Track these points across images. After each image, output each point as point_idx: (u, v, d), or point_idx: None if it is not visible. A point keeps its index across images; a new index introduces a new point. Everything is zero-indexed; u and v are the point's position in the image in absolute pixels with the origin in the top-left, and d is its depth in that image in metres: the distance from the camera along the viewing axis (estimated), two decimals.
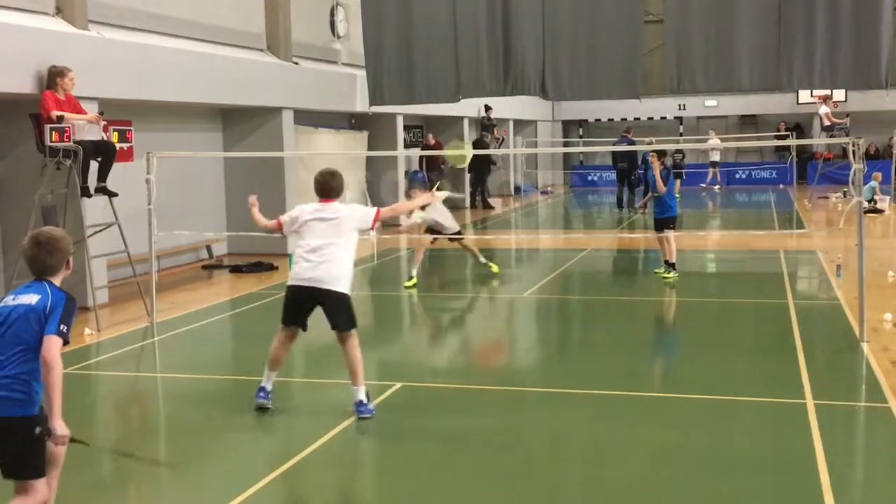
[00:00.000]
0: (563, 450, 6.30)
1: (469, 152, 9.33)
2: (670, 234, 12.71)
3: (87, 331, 10.15)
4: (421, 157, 23.30)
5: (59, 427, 4.36)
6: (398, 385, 7.70)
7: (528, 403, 7.54)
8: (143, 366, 9.45)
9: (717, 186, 29.94)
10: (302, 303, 6.90)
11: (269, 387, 7.05)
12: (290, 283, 6.94)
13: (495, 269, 13.46)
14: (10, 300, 4.40)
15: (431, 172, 21.59)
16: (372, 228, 7.15)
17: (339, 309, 6.84)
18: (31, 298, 4.34)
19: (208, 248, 15.74)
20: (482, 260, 13.45)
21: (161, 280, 12.08)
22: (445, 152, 9.71)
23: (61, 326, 4.28)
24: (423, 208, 7.15)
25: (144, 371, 9.23)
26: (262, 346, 7.65)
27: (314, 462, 6.09)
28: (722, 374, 8.14)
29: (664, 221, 12.78)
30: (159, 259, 12.67)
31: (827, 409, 6.86)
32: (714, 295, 12.34)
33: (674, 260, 12.71)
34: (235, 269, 14.58)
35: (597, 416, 7.04)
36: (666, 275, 12.64)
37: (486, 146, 25.03)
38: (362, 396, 6.87)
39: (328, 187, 7.11)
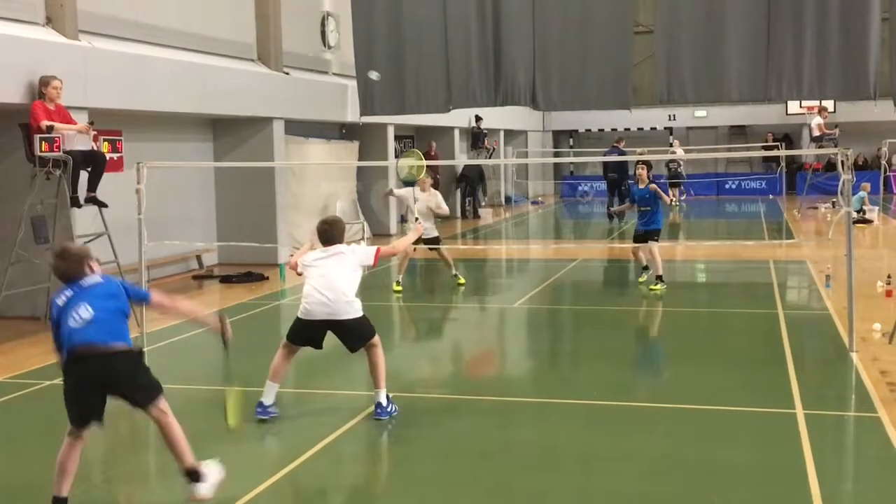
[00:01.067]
0: (553, 460, 6.30)
1: (422, 162, 9.33)
2: (654, 246, 12.75)
3: None
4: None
5: None
6: (390, 395, 7.68)
7: (518, 414, 7.53)
8: None
9: (682, 197, 29.65)
10: (315, 331, 7.03)
11: (266, 401, 7.08)
12: (301, 316, 7.03)
13: (462, 280, 13.58)
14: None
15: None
16: (374, 266, 7.22)
17: (354, 334, 7.04)
18: (92, 281, 5.50)
19: (198, 258, 15.70)
20: (454, 272, 13.56)
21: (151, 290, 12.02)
22: (402, 162, 9.69)
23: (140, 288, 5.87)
24: (416, 242, 7.40)
25: None
26: (252, 357, 7.64)
27: (302, 474, 6.07)
28: (712, 384, 8.15)
29: (649, 233, 12.81)
30: (149, 269, 12.62)
31: (817, 419, 6.88)
32: (704, 305, 12.37)
33: (661, 272, 12.74)
34: (226, 280, 14.55)
35: (587, 426, 7.04)
36: (654, 287, 12.66)
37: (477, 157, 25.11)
38: (381, 399, 7.04)
39: (328, 235, 7.14)
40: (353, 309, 6.96)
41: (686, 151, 30.30)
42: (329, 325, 6.96)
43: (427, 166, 10.44)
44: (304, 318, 6.98)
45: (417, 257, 14.23)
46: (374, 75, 14.89)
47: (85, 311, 5.22)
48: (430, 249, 13.44)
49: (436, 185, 14.29)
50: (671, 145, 30.53)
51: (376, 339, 7.10)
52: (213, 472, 5.42)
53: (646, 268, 13.18)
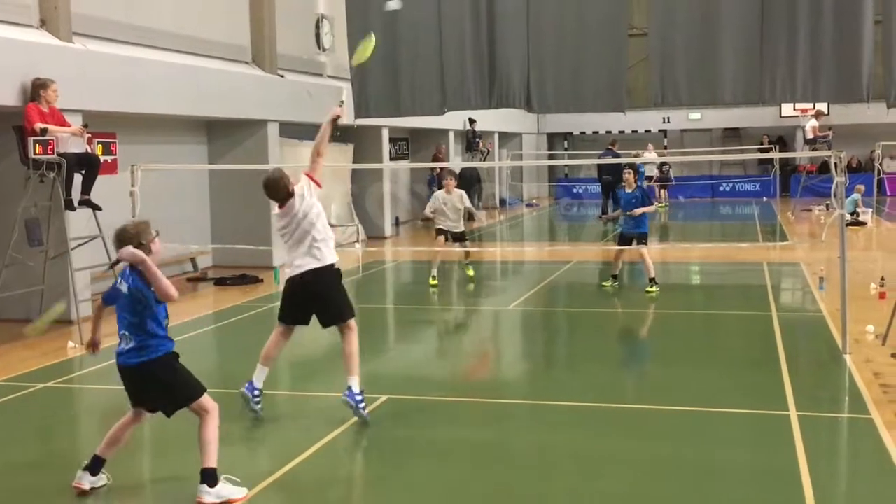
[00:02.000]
0: (548, 462, 6.31)
1: (370, 45, 9.04)
2: (644, 250, 12.83)
3: (70, 344, 10.10)
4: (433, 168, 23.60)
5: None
6: (383, 398, 7.69)
7: (514, 416, 7.54)
8: None
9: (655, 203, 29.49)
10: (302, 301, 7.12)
11: (257, 383, 7.14)
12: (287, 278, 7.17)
13: (471, 272, 14.20)
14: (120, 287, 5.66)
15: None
16: (319, 186, 7.24)
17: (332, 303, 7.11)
18: (124, 286, 5.61)
19: (193, 260, 15.69)
20: (467, 261, 14.31)
21: None
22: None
23: (151, 289, 5.52)
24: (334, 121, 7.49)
25: None
26: (246, 359, 7.63)
27: (299, 475, 6.07)
28: (706, 386, 8.17)
29: (638, 237, 12.85)
30: None
31: (810, 421, 6.89)
32: (698, 307, 12.39)
33: (653, 274, 12.77)
34: (220, 282, 14.54)
35: (582, 428, 7.05)
36: (649, 290, 12.68)
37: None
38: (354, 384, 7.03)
39: (275, 194, 7.15)
40: (329, 253, 7.01)
41: (682, 154, 30.37)
42: (311, 285, 6.96)
43: (448, 170, 10.80)
44: (289, 280, 7.07)
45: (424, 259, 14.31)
46: (394, 4, 14.70)
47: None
48: (455, 242, 13.98)
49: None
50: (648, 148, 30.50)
51: (353, 322, 7.10)
52: (230, 489, 5.53)
53: (615, 276, 13.27)
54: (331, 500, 5.94)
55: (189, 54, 14.80)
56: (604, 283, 13.31)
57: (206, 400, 5.62)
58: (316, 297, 7.02)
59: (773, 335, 9.95)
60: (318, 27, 18.96)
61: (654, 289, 12.66)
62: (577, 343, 10.67)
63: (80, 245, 11.02)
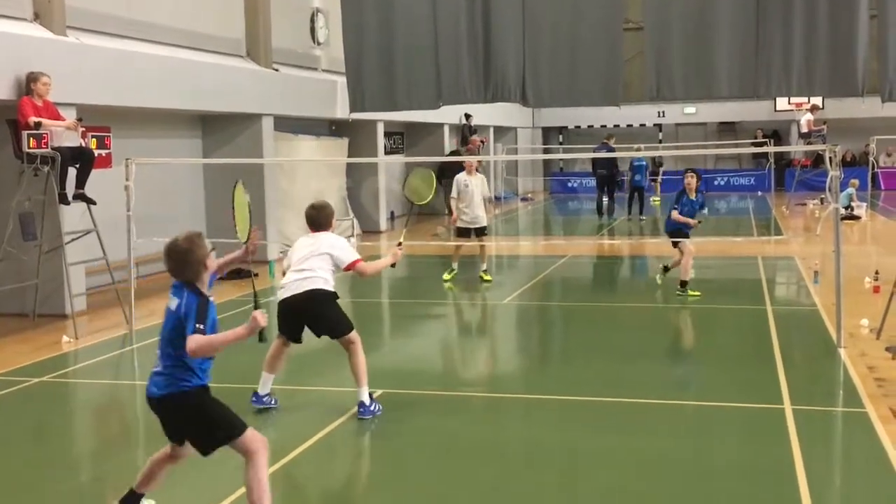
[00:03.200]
0: (542, 457, 6.31)
1: (429, 194, 8.65)
2: (689, 245, 12.14)
3: (64, 338, 10.08)
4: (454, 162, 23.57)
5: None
6: (379, 392, 7.68)
7: (508, 410, 7.55)
8: (121, 373, 9.39)
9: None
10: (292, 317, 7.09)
11: (261, 391, 7.20)
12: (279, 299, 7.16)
13: (489, 278, 13.66)
14: (169, 303, 4.87)
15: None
16: (346, 270, 7.12)
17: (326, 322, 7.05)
18: (173, 303, 4.81)
19: None
20: (484, 266, 13.70)
21: (140, 287, 12.01)
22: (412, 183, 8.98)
23: (197, 325, 4.68)
24: (393, 265, 7.33)
25: (123, 379, 9.18)
26: (239, 354, 7.60)
27: (293, 470, 6.07)
28: (700, 380, 8.19)
29: (682, 232, 12.23)
30: (138, 266, 12.60)
31: (805, 415, 6.91)
32: (693, 301, 12.39)
33: (686, 277, 12.11)
34: None
35: (576, 422, 7.06)
36: (692, 292, 12.02)
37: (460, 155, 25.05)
38: (364, 397, 7.03)
39: (314, 220, 7.18)
40: (326, 284, 6.95)
41: (678, 148, 30.44)
42: (304, 306, 6.96)
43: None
44: (281, 301, 7.08)
45: (432, 253, 14.21)
46: None
47: None
48: (479, 237, 13.57)
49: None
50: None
51: (354, 335, 7.06)
52: None
53: (667, 267, 12.83)
54: (327, 494, 5.95)
55: (184, 48, 14.76)
56: (662, 276, 12.69)
57: (250, 437, 4.86)
58: (305, 317, 7.03)
59: (767, 329, 9.97)
60: (312, 21, 18.93)
61: (694, 292, 12.07)
62: (573, 337, 10.68)
63: (74, 239, 11.00)
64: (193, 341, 4.63)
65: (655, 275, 13.11)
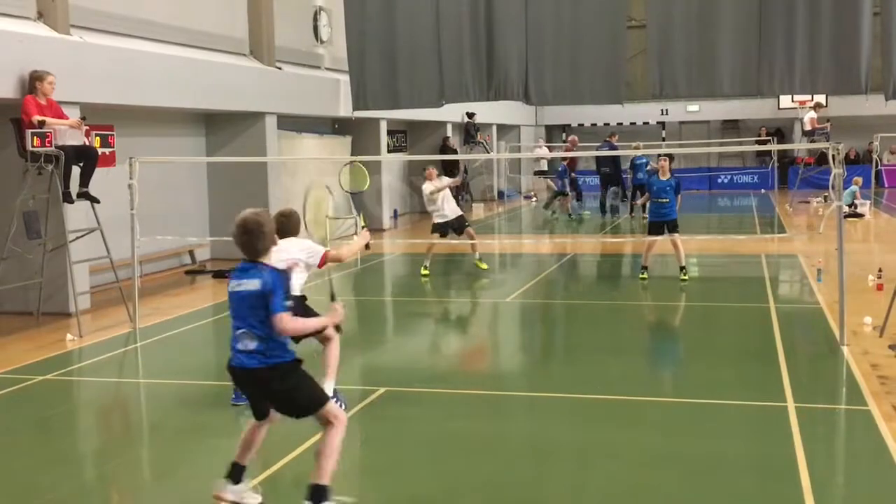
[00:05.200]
0: (546, 454, 6.32)
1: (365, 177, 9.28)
2: (677, 238, 12.82)
3: (69, 337, 10.10)
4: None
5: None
6: (382, 390, 7.70)
7: (512, 408, 7.56)
8: (125, 372, 9.41)
9: (534, 199, 29.40)
10: None
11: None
12: None
13: (484, 266, 13.97)
14: (235, 284, 5.01)
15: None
16: (320, 267, 7.08)
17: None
18: (253, 284, 4.93)
19: (191, 253, 15.70)
20: (477, 255, 14.01)
21: (143, 285, 12.04)
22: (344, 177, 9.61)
23: (285, 303, 4.96)
24: (367, 246, 7.30)
25: (127, 377, 9.20)
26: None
27: (297, 467, 6.08)
28: (704, 377, 8.19)
29: (670, 224, 12.86)
30: (142, 264, 12.62)
31: (808, 412, 6.91)
32: (696, 299, 12.40)
33: (684, 263, 12.94)
34: (218, 275, 14.54)
35: (580, 420, 7.07)
36: (683, 278, 12.83)
37: (454, 151, 25.05)
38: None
39: (283, 228, 7.05)
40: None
41: (681, 146, 30.43)
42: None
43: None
44: None
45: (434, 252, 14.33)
46: None
47: None
48: (457, 232, 13.83)
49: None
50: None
51: (332, 332, 6.91)
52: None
53: (645, 268, 13.09)
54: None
55: (187, 46, 14.78)
56: (642, 276, 13.01)
57: (332, 408, 5.15)
58: None
59: (771, 327, 9.97)
60: (315, 19, 18.94)
61: (686, 276, 12.79)
62: (575, 335, 10.68)
63: (78, 238, 11.02)
64: (287, 322, 4.91)
65: (654, 274, 13.19)
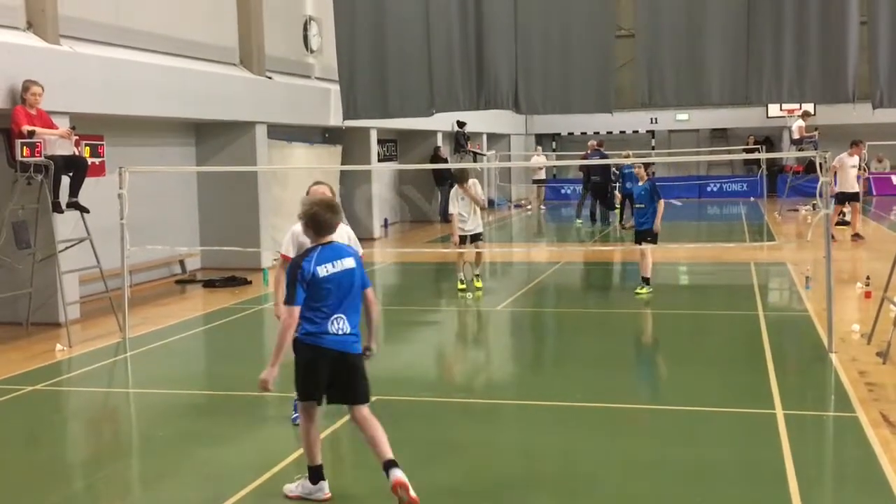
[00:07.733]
0: (537, 463, 6.34)
1: None
2: (647, 248, 12.66)
3: (58, 347, 10.08)
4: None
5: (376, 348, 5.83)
6: (373, 399, 7.69)
7: (502, 416, 7.58)
8: (115, 382, 9.39)
9: (529, 207, 29.32)
10: None
11: None
12: None
13: (479, 284, 13.51)
14: (338, 266, 5.29)
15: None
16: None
17: None
18: (350, 262, 5.37)
19: (181, 262, 15.68)
20: (477, 271, 13.57)
21: (133, 295, 12.02)
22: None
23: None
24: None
25: (117, 387, 9.18)
26: (235, 362, 7.64)
27: (286, 477, 6.08)
28: (693, 385, 8.22)
29: (644, 233, 12.71)
30: (132, 274, 12.60)
31: (796, 419, 6.95)
32: (685, 307, 12.44)
33: (648, 274, 12.73)
34: (209, 284, 14.53)
35: (570, 427, 7.09)
36: (639, 290, 12.70)
37: (445, 160, 25.05)
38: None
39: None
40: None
41: (670, 155, 30.53)
42: None
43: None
44: None
45: (425, 260, 14.24)
46: None
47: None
48: (473, 242, 13.37)
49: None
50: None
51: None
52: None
53: (646, 280, 12.84)
54: None
55: (177, 56, 14.78)
56: (639, 291, 12.72)
57: None
58: None
59: (759, 334, 10.01)
60: (305, 29, 18.97)
61: (644, 290, 12.64)
62: (566, 343, 10.71)
63: (68, 248, 11.01)
64: (372, 293, 5.46)
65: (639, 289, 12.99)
